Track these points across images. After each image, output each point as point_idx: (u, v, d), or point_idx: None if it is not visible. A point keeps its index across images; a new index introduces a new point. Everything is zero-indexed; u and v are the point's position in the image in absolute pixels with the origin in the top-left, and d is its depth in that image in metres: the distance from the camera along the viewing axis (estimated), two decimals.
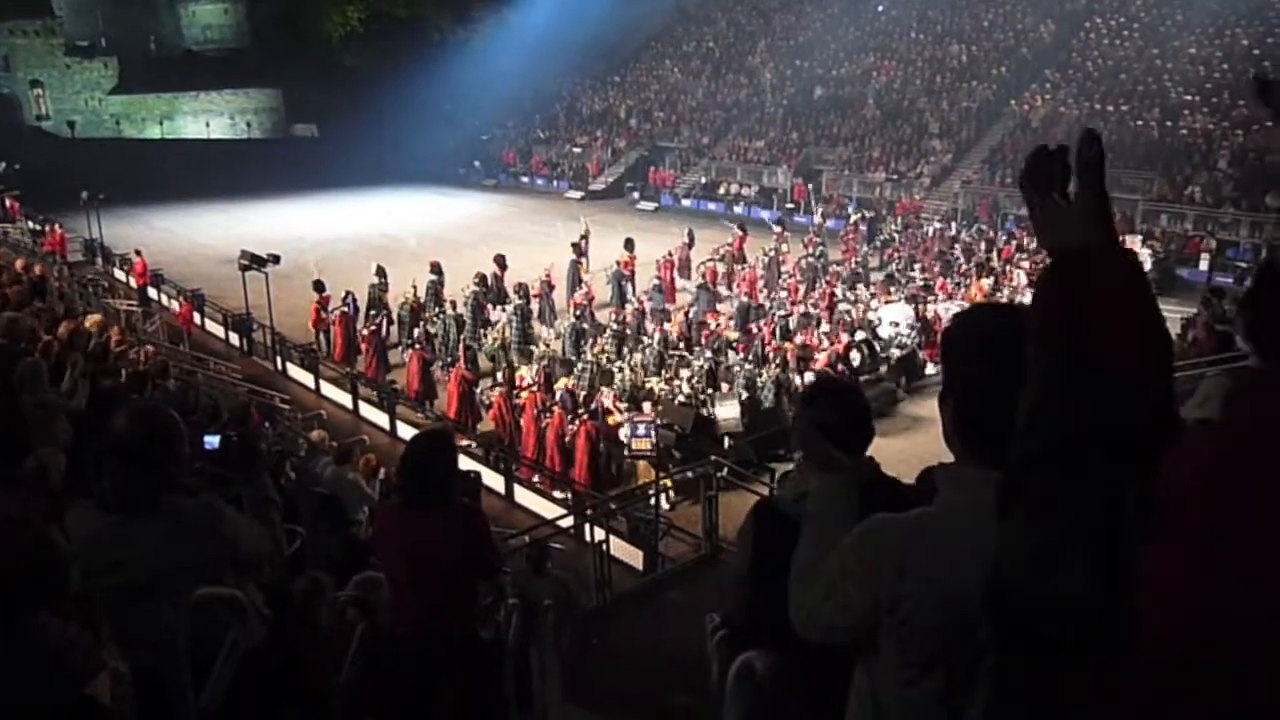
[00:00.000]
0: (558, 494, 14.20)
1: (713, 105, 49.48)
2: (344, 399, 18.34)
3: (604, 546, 10.20)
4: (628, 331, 18.92)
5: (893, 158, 39.25)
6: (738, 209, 38.54)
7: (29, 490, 4.08)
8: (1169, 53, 37.64)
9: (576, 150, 50.55)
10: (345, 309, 20.80)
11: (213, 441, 5.34)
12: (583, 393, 15.67)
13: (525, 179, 50.52)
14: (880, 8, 50.05)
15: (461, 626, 4.20)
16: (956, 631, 1.63)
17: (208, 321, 23.31)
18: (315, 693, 4.04)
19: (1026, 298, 18.82)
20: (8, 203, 34.22)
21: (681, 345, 18.61)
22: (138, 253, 25.89)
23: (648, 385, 16.21)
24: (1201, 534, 1.42)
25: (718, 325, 19.42)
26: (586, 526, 11.34)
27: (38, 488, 4.20)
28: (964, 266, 24.98)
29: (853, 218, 33.44)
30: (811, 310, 20.81)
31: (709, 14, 57.98)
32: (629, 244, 25.01)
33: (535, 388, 15.57)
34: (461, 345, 18.43)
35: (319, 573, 5.19)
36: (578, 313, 20.16)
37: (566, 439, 14.51)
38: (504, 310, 20.45)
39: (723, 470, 11.80)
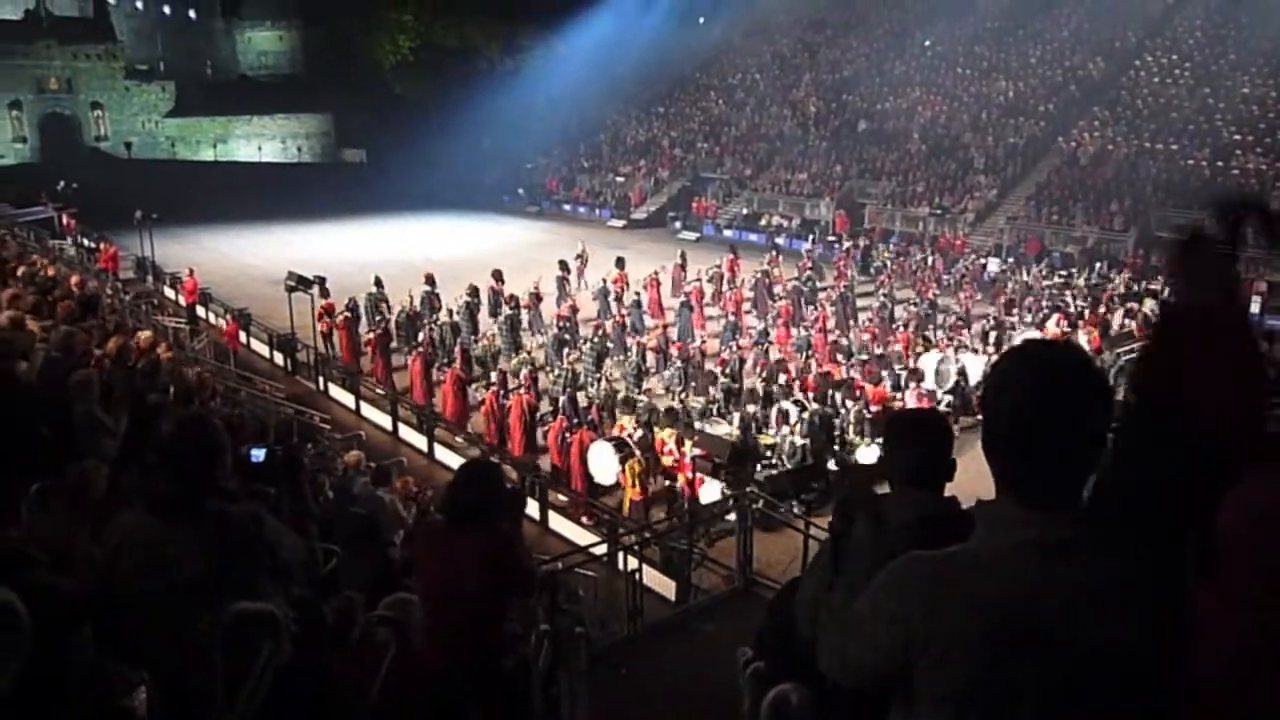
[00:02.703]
0: (561, 497, 14.73)
1: (756, 137, 49.64)
2: (384, 420, 18.52)
3: (636, 575, 10.14)
4: (609, 344, 20.09)
5: (937, 192, 39.05)
6: (779, 240, 38.51)
7: (68, 501, 4.14)
8: (1221, 92, 37.21)
9: (619, 179, 50.89)
10: (348, 314, 21.97)
11: (259, 455, 5.41)
12: (562, 398, 16.78)
13: (568, 207, 50.92)
14: (927, 43, 50.08)
15: (489, 648, 4.20)
16: (992, 672, 1.60)
17: (253, 340, 23.69)
18: (344, 712, 4.05)
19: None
20: (65, 220, 35.12)
21: (657, 358, 19.94)
22: (190, 271, 26.41)
23: (638, 395, 17.26)
24: (1259, 582, 1.39)
25: (702, 342, 20.78)
26: (619, 554, 11.30)
27: (77, 499, 4.27)
28: (1074, 311, 24.24)
29: (845, 245, 34.28)
30: (802, 332, 21.65)
31: (754, 47, 58.33)
32: (620, 262, 26.57)
33: (522, 389, 16.70)
34: (458, 348, 19.92)
35: (352, 592, 5.21)
36: (560, 324, 21.41)
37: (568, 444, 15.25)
38: (496, 320, 22.17)
39: (758, 503, 11.72)
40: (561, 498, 14.84)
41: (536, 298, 24.01)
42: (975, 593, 1.62)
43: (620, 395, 17.51)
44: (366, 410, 19.17)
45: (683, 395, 17.30)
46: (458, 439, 17.32)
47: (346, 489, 9.69)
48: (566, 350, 19.36)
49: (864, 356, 19.82)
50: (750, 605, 9.53)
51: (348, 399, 19.74)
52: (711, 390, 17.35)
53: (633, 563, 10.37)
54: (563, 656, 5.78)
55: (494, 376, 17.91)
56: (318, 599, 4.38)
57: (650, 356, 19.99)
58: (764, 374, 17.87)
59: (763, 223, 42.23)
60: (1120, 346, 20.05)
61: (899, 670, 1.72)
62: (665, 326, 22.15)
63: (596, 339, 20.10)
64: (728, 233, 41.99)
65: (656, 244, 36.30)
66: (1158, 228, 32.35)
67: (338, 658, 4.21)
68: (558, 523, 14.11)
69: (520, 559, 4.27)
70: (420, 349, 19.83)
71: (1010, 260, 31.95)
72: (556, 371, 18.39)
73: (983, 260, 32.03)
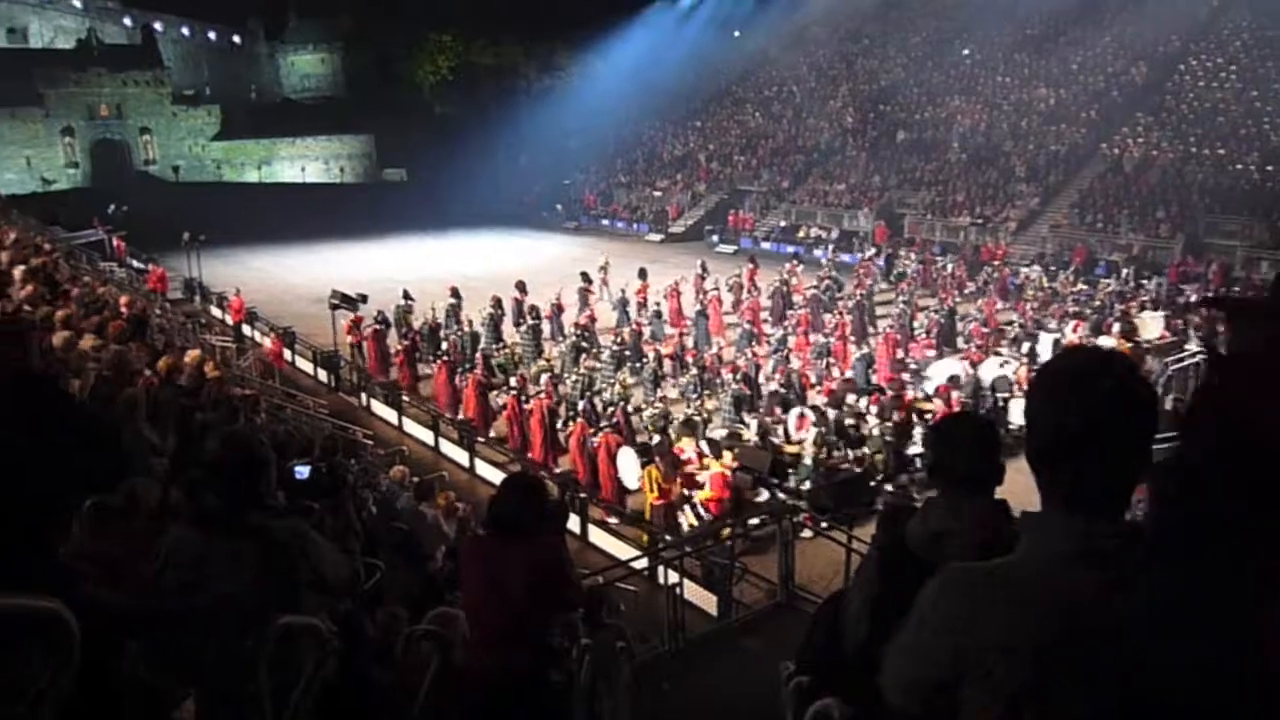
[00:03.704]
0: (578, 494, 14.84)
1: (793, 149, 49.51)
2: (425, 435, 18.68)
3: (677, 590, 10.09)
4: (626, 352, 20.97)
5: (978, 202, 38.66)
6: (817, 252, 38.34)
7: (118, 517, 4.22)
8: (1270, 95, 36.47)
9: (657, 194, 51.00)
10: (378, 326, 22.78)
11: (303, 472, 5.46)
12: (581, 402, 17.32)
13: (606, 222, 51.14)
14: (965, 51, 49.73)
15: (533, 660, 4.20)
16: (1041, 684, 1.57)
17: (297, 358, 24.02)
18: None
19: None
20: (115, 243, 35.91)
21: (673, 365, 20.72)
22: (237, 291, 26.89)
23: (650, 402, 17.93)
24: None
25: (718, 349, 21.41)
26: (660, 569, 11.26)
27: (127, 515, 4.34)
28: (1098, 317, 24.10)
29: (868, 253, 34.98)
30: (822, 339, 22.11)
31: (791, 59, 58.28)
32: (642, 273, 27.67)
33: (542, 394, 17.40)
34: (479, 355, 20.74)
35: (395, 607, 5.25)
36: (577, 332, 22.24)
37: (591, 448, 15.84)
38: (519, 329, 23.37)
39: (799, 516, 11.63)
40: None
41: (558, 308, 24.94)
42: (1022, 603, 1.60)
43: (633, 400, 18.30)
44: (409, 425, 19.35)
45: (698, 402, 17.87)
46: (485, 443, 17.49)
47: (390, 504, 9.79)
48: (583, 357, 20.33)
49: (914, 366, 19.97)
50: (792, 620, 9.45)
51: (390, 415, 19.95)
52: (714, 403, 17.93)
53: (673, 577, 10.32)
54: (605, 671, 5.77)
55: (514, 382, 18.71)
56: (361, 613, 4.42)
57: (667, 363, 20.77)
58: (782, 380, 18.41)
59: (801, 234, 42.05)
60: (1169, 356, 19.65)
61: (946, 685, 1.70)
62: (682, 334, 22.97)
63: (616, 346, 20.97)
64: (766, 245, 41.84)
65: (694, 257, 36.20)
66: (1206, 234, 31.76)
67: (381, 671, 4.24)
68: (598, 536, 14.10)
69: (567, 573, 4.28)
70: (444, 357, 20.74)
71: (1037, 268, 31.62)
72: (573, 378, 19.26)
73: (1024, 268, 31.69)
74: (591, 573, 10.23)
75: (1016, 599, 1.60)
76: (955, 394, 17.38)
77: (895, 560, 2.48)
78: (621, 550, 13.26)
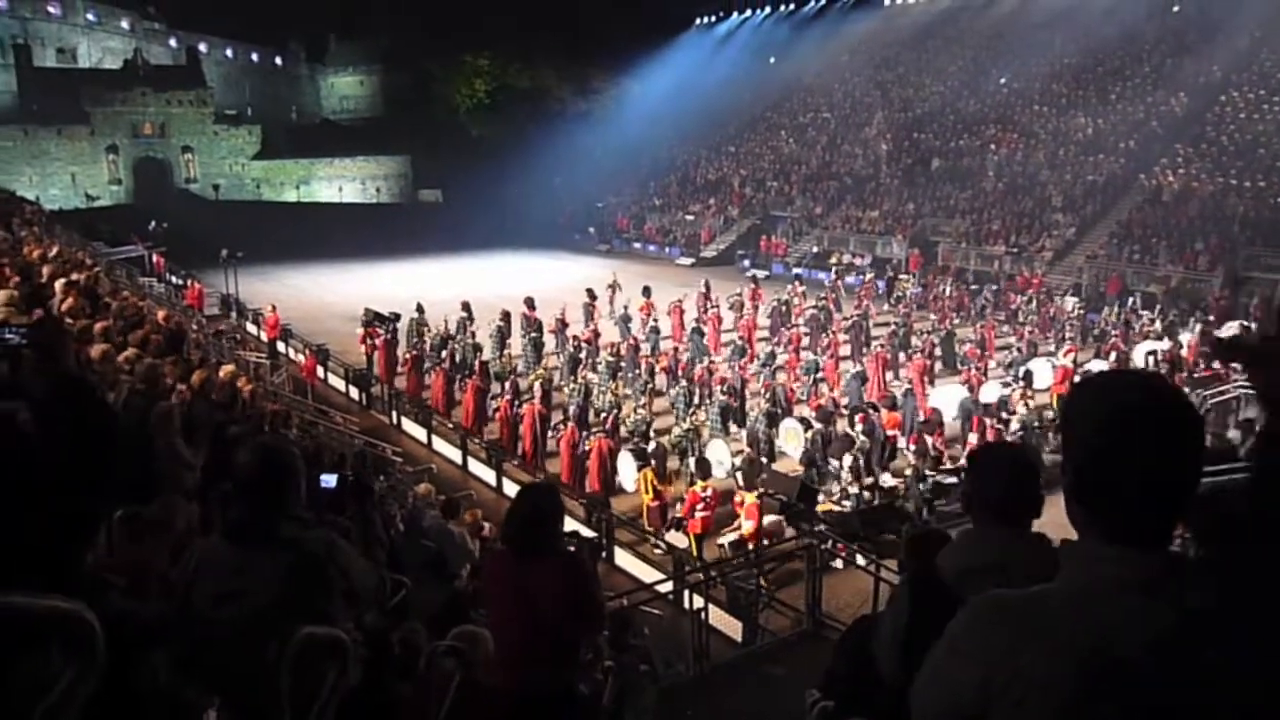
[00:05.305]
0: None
1: (827, 175, 49.47)
2: (454, 454, 18.76)
3: (702, 615, 10.02)
4: (621, 364, 21.95)
5: (1013, 230, 38.37)
6: (850, 279, 38.14)
7: (147, 529, 4.24)
8: None
9: (689, 217, 51.10)
10: (387, 336, 23.91)
11: (329, 481, 5.48)
12: (572, 407, 18.36)
13: (638, 245, 51.29)
14: (1003, 80, 49.54)
15: (561, 677, 4.17)
16: (1075, 714, 1.53)
17: (330, 375, 24.24)
18: None
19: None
20: (155, 259, 36.50)
21: (667, 378, 21.42)
22: (272, 307, 27.19)
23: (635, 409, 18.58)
24: None
25: (710, 362, 22.18)
26: (685, 593, 11.18)
27: (160, 531, 4.37)
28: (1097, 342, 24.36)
29: (869, 275, 36.16)
30: (812, 356, 22.88)
31: (825, 85, 58.36)
32: (646, 291, 28.78)
33: (535, 400, 18.36)
34: (478, 363, 21.76)
35: (415, 622, 5.24)
36: (574, 345, 23.53)
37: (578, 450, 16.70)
38: (524, 341, 24.55)
39: (827, 543, 11.53)
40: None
41: (562, 323, 25.91)
42: (1057, 630, 1.56)
43: (625, 408, 18.89)
44: (438, 444, 19.45)
45: (692, 414, 18.35)
46: (478, 443, 17.51)
47: (417, 520, 9.81)
48: (580, 368, 21.39)
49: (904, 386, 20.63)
50: (819, 648, 9.35)
51: (420, 433, 20.06)
52: (703, 415, 18.36)
53: (698, 601, 10.25)
54: (630, 694, 5.73)
55: (506, 387, 19.97)
56: (386, 627, 4.41)
57: (661, 376, 21.60)
58: (769, 395, 19.03)
59: (832, 261, 41.85)
60: (1208, 388, 19.33)
61: (975, 715, 1.66)
62: (677, 349, 23.99)
63: (611, 358, 21.96)
64: (797, 271, 41.65)
65: (725, 281, 36.20)
66: (1245, 267, 31.29)
67: (403, 687, 4.23)
68: (623, 559, 14.04)
69: (592, 589, 4.27)
70: (442, 364, 21.96)
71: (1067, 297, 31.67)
72: (570, 387, 20.25)
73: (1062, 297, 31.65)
74: (616, 595, 10.18)
75: (1052, 628, 1.57)
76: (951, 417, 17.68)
77: (927, 590, 2.44)
78: (646, 573, 13.19)
